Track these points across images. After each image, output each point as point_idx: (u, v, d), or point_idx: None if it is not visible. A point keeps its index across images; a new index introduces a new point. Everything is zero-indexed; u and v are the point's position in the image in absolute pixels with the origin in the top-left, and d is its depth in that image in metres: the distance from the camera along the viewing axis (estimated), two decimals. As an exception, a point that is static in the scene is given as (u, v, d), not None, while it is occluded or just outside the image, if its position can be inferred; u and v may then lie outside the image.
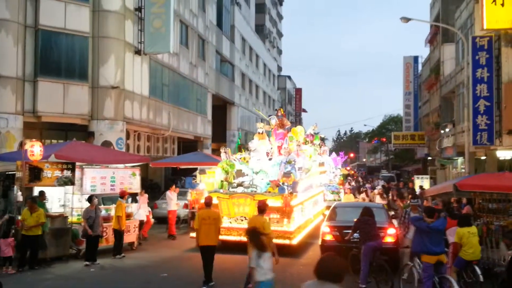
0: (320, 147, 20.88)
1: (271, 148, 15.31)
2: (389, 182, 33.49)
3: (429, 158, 36.85)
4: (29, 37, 17.11)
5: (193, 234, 11.13)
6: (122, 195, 12.76)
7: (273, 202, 12.18)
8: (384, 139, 58.25)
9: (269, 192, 12.86)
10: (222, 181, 13.73)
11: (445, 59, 29.04)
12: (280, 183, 13.05)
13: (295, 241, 12.39)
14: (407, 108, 44.24)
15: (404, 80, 43.64)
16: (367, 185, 31.25)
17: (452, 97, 27.73)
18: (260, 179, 13.69)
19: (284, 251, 11.45)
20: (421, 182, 25.70)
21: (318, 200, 17.31)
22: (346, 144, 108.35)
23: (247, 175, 13.99)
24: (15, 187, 12.32)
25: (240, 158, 14.34)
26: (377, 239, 9.28)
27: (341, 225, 10.98)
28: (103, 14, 18.74)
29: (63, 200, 12.89)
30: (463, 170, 23.04)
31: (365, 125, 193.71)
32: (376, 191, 24.44)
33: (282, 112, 16.06)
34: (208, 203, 9.73)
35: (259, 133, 15.23)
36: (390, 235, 10.57)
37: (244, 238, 12.02)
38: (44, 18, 17.23)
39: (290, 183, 13.23)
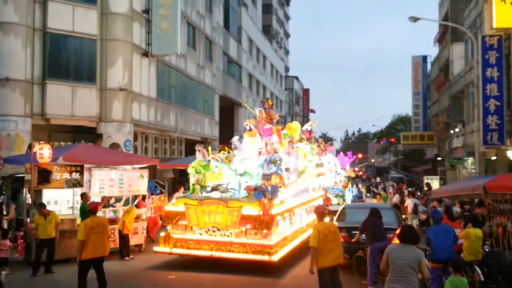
0: (319, 145, 18.91)
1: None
2: (399, 183, 33.29)
3: (439, 158, 36.58)
4: (37, 40, 17.21)
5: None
6: (139, 206, 12.90)
7: (250, 209, 10.54)
8: (393, 140, 57.91)
9: (248, 197, 10.94)
10: (193, 184, 11.94)
11: (454, 58, 28.81)
12: (263, 187, 11.04)
13: (276, 257, 10.38)
14: (416, 108, 43.96)
15: (412, 80, 43.36)
16: (380, 186, 31.12)
17: (461, 97, 27.49)
18: (244, 182, 11.72)
19: (262, 269, 10.34)
20: (431, 183, 25.45)
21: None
22: (354, 144, 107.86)
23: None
24: (24, 189, 12.37)
25: (223, 158, 12.53)
26: (384, 240, 9.26)
27: (350, 226, 10.90)
28: (111, 16, 18.81)
29: (71, 203, 12.91)
30: (473, 171, 22.80)
31: (373, 125, 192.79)
32: (391, 189, 24.23)
33: (270, 104, 14.04)
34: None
35: (247, 130, 13.32)
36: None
37: (217, 254, 10.56)
38: (52, 21, 17.32)
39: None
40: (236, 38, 35.49)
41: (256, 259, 10.28)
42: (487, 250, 9.36)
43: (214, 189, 11.62)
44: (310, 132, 17.75)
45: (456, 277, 6.49)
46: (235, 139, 13.23)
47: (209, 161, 12.13)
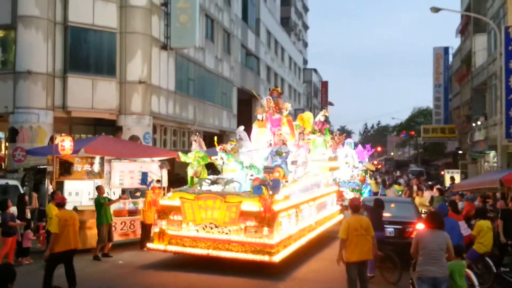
0: (334, 137, 17.83)
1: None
2: (418, 176, 32.88)
3: (460, 152, 35.98)
4: (58, 33, 17.47)
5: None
6: (153, 190, 12.99)
7: (250, 205, 9.66)
8: (413, 133, 57.17)
9: (249, 192, 10.14)
10: (191, 177, 11.18)
11: (477, 49, 28.21)
12: (269, 180, 10.11)
13: (277, 257, 9.45)
14: (437, 101, 43.22)
15: (434, 71, 42.61)
16: (401, 180, 30.72)
17: (484, 89, 26.94)
18: (250, 175, 10.89)
19: (263, 270, 9.51)
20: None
21: (326, 202, 14.22)
22: (373, 137, 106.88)
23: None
24: (46, 181, 12.61)
25: (231, 149, 11.59)
26: (381, 231, 9.48)
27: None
28: (130, 9, 18.96)
29: (92, 194, 13.13)
30: (496, 164, 22.40)
31: (393, 118, 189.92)
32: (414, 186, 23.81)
33: (279, 91, 12.98)
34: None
35: (258, 120, 12.33)
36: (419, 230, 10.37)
37: (214, 252, 9.68)
38: (73, 15, 17.57)
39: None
40: (254, 31, 35.39)
41: (256, 259, 9.42)
42: None
43: (214, 182, 10.86)
44: (323, 123, 16.58)
45: (456, 262, 6.44)
46: (240, 129, 12.15)
47: (205, 152, 11.60)
